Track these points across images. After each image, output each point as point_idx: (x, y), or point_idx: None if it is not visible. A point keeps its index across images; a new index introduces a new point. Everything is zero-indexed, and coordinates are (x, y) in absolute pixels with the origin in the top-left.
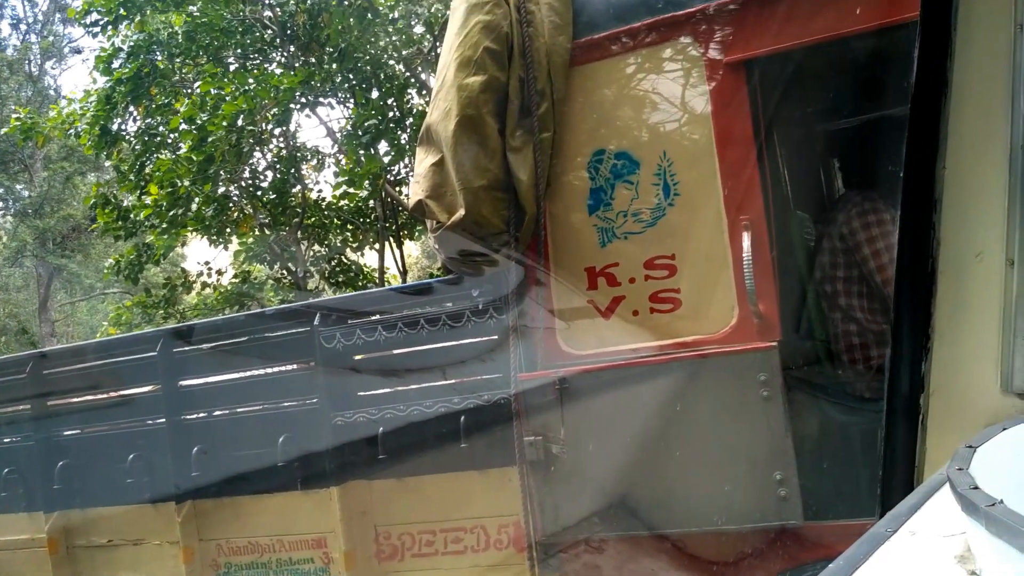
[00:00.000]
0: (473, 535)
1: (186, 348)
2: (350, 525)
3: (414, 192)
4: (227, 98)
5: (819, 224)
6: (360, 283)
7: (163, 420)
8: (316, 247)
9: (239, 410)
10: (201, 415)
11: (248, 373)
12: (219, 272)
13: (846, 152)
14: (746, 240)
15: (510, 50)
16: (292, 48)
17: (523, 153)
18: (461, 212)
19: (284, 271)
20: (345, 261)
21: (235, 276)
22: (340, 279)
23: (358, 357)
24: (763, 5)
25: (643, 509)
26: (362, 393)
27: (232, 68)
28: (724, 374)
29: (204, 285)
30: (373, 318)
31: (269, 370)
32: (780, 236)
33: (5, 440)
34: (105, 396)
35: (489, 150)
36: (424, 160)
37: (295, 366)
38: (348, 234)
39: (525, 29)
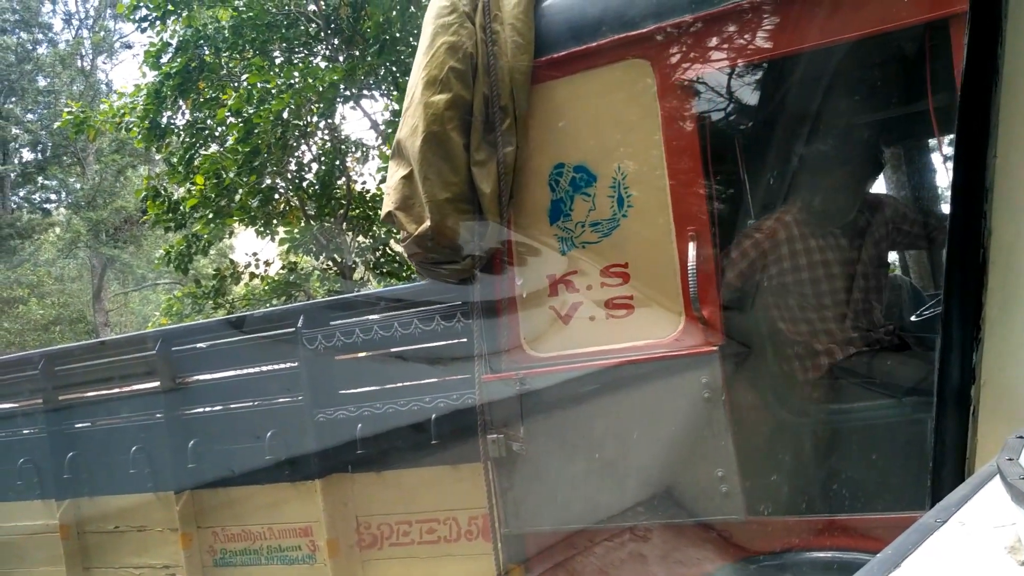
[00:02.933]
0: (446, 526)
1: (182, 347)
2: (333, 515)
3: (386, 204)
4: (273, 91)
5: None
6: (404, 273)
7: (162, 415)
8: (361, 238)
9: (232, 406)
10: (197, 410)
11: (239, 371)
12: (267, 263)
13: (789, 164)
14: (692, 250)
15: (474, 69)
16: (336, 41)
17: (487, 167)
18: (427, 223)
19: (330, 262)
20: (389, 252)
21: (282, 267)
22: (384, 269)
23: (338, 357)
24: (710, 27)
25: (596, 502)
26: (342, 391)
27: (278, 62)
28: (671, 376)
29: (252, 276)
30: (351, 320)
31: (258, 368)
32: (725, 246)
33: (22, 432)
34: (110, 392)
35: (454, 165)
36: (395, 173)
37: (281, 365)
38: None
39: (489, 48)
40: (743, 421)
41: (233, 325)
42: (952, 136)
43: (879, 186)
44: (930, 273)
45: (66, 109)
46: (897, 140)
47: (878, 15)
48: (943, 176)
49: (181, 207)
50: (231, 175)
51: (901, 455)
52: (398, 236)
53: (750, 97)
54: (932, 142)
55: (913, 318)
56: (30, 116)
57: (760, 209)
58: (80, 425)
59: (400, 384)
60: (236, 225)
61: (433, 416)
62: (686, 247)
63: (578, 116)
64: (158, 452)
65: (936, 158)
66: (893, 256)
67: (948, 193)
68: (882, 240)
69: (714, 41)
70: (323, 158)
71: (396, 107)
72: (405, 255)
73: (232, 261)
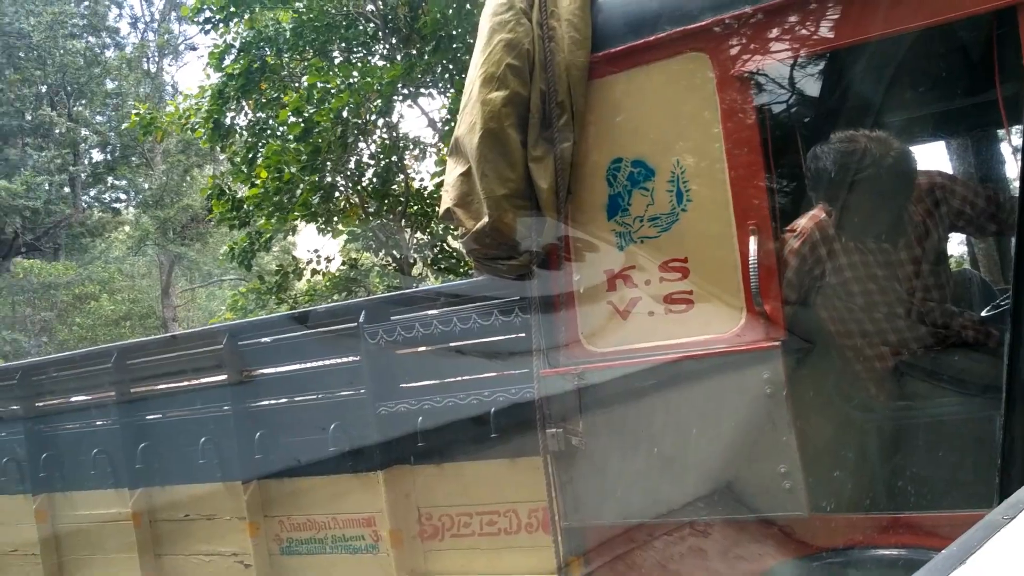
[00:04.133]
0: (506, 518)
1: (249, 341)
2: (395, 506)
3: (444, 200)
4: (332, 91)
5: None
6: (462, 269)
7: (229, 408)
8: (419, 234)
9: (296, 399)
10: (263, 403)
11: (303, 365)
12: (328, 259)
13: None
14: (753, 244)
15: (531, 65)
16: (393, 40)
17: (544, 163)
18: (485, 219)
19: (389, 258)
20: (447, 248)
21: (343, 263)
22: (442, 265)
23: (399, 352)
24: (770, 19)
25: (656, 497)
26: (403, 385)
27: (337, 61)
28: (732, 372)
29: (314, 272)
30: (411, 315)
31: (321, 363)
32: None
33: (96, 423)
34: (180, 384)
35: (512, 161)
36: (453, 170)
37: (343, 359)
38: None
39: (546, 44)
40: (806, 417)
41: (297, 320)
42: (1020, 126)
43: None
44: (1000, 267)
45: (134, 111)
46: (963, 130)
47: (943, 4)
48: (1012, 166)
49: (244, 205)
50: (292, 171)
51: (968, 452)
52: (456, 232)
53: (811, 88)
54: (1000, 132)
55: (983, 313)
56: (99, 118)
57: (820, 203)
58: (151, 417)
59: (459, 378)
60: (298, 222)
61: (492, 410)
62: (747, 241)
63: (636, 111)
64: (226, 443)
65: (1004, 148)
66: (962, 249)
67: (1017, 183)
68: (945, 227)
69: (774, 32)
70: (381, 156)
71: (453, 105)
72: (463, 251)
73: (294, 258)
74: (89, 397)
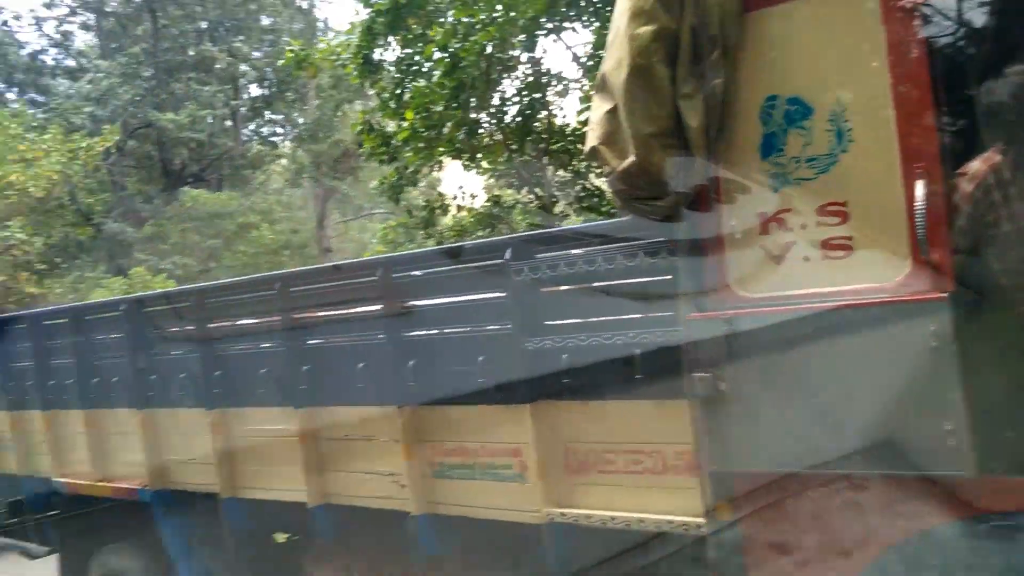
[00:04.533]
0: (652, 458)
1: (403, 273)
2: (541, 439)
3: (589, 139)
4: (477, 26)
5: None
6: (604, 208)
7: (384, 336)
8: (561, 172)
9: (446, 331)
10: (415, 333)
11: (452, 299)
12: (472, 196)
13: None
14: (920, 188)
15: None
16: None
17: (694, 100)
18: (632, 158)
19: (532, 195)
20: (589, 186)
21: (486, 200)
22: (584, 204)
23: (544, 289)
24: None
25: (809, 447)
26: (548, 322)
27: None
28: (895, 323)
29: (459, 208)
30: (556, 253)
31: (470, 297)
32: (956, 184)
33: (262, 346)
34: (338, 312)
35: (660, 98)
36: (599, 108)
37: (490, 295)
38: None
39: None
40: (975, 373)
41: (448, 255)
42: None
43: None
44: None
45: (288, 47)
46: None
47: None
48: None
49: (393, 141)
50: (439, 109)
51: None
52: (601, 171)
53: (986, 17)
54: None
55: None
56: (256, 54)
57: (995, 144)
58: (312, 341)
59: (604, 318)
60: (443, 158)
61: (638, 351)
62: (914, 185)
63: (793, 45)
64: (381, 369)
65: None
66: None
67: None
68: None
69: None
70: (524, 92)
71: (598, 39)
72: (607, 190)
73: (440, 193)
74: (257, 320)
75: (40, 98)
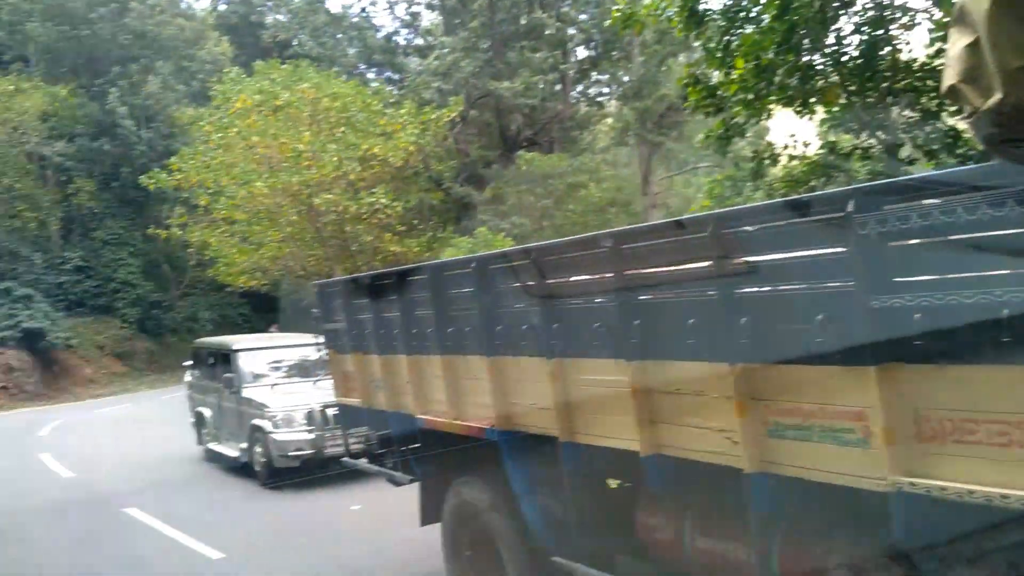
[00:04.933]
0: (1021, 430)
1: (734, 229)
2: (888, 404)
3: (946, 76)
4: None
5: None
6: (960, 151)
7: (715, 293)
8: (908, 112)
9: (781, 288)
10: (748, 290)
11: (788, 254)
12: (804, 143)
13: None
14: None
15: None
16: None
17: None
18: (997, 96)
19: (873, 140)
20: (942, 127)
21: (820, 147)
22: (936, 147)
23: (892, 244)
24: None
25: None
26: (897, 279)
27: None
28: None
29: (790, 157)
30: (907, 204)
31: (806, 252)
32: None
33: (596, 300)
34: (669, 268)
35: None
36: (957, 42)
37: (830, 250)
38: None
39: None
40: None
41: (783, 208)
42: None
43: None
44: None
45: (614, 7)
46: None
47: None
48: None
49: (719, 91)
50: (769, 55)
51: None
52: (961, 112)
53: None
54: None
55: None
56: (583, 16)
57: None
58: (643, 297)
59: (964, 275)
60: (773, 107)
61: (1005, 311)
62: None
63: None
64: (714, 326)
65: None
66: None
67: None
68: None
69: None
70: (865, 28)
71: None
72: (969, 133)
73: (769, 143)
74: (591, 277)
75: (395, 76)
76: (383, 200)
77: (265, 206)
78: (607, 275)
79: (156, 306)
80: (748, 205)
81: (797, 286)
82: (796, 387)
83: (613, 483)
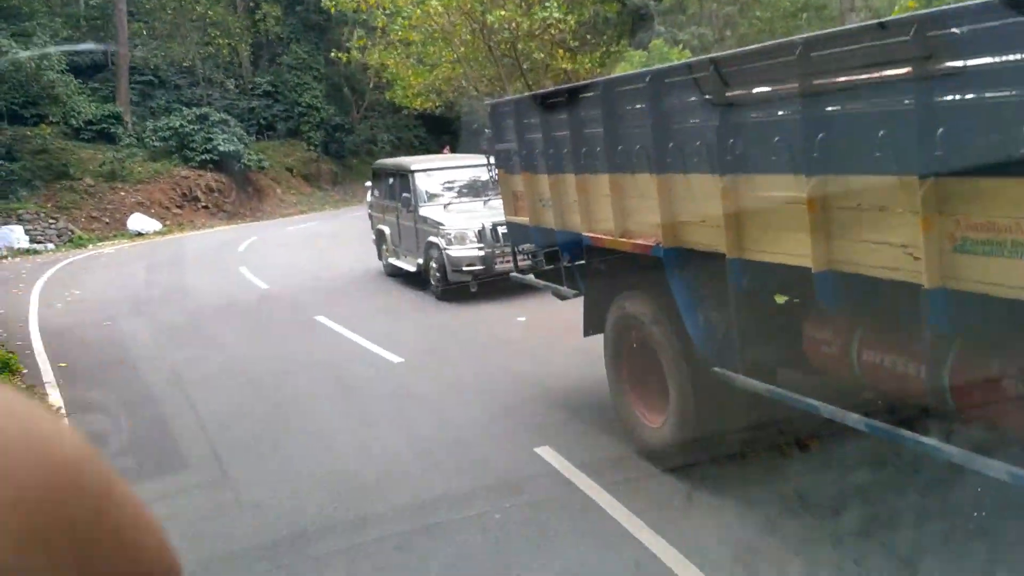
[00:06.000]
0: None
1: (940, 32)
2: None
3: None
4: None
5: None
6: None
7: (910, 102)
8: None
9: (986, 95)
10: (948, 98)
11: (998, 58)
12: None
13: None
14: None
15: None
16: None
17: None
18: None
19: None
20: None
21: None
22: None
23: None
24: None
25: None
26: None
27: None
28: None
29: None
30: None
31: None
32: None
33: (777, 113)
34: (860, 77)
35: None
36: None
37: None
38: None
39: None
40: None
41: (1003, 6)
42: None
43: None
44: None
45: None
46: None
47: None
48: None
49: None
50: None
51: None
52: None
53: None
54: None
55: None
56: None
57: None
58: (829, 108)
59: None
60: None
61: None
62: None
63: None
64: (904, 137)
65: None
66: None
67: None
68: None
69: None
70: None
71: None
72: None
73: None
74: (772, 88)
75: None
76: (556, 14)
77: (439, 25)
78: (793, 86)
79: (339, 129)
80: (960, 4)
81: (1004, 93)
82: (991, 201)
83: (781, 298)
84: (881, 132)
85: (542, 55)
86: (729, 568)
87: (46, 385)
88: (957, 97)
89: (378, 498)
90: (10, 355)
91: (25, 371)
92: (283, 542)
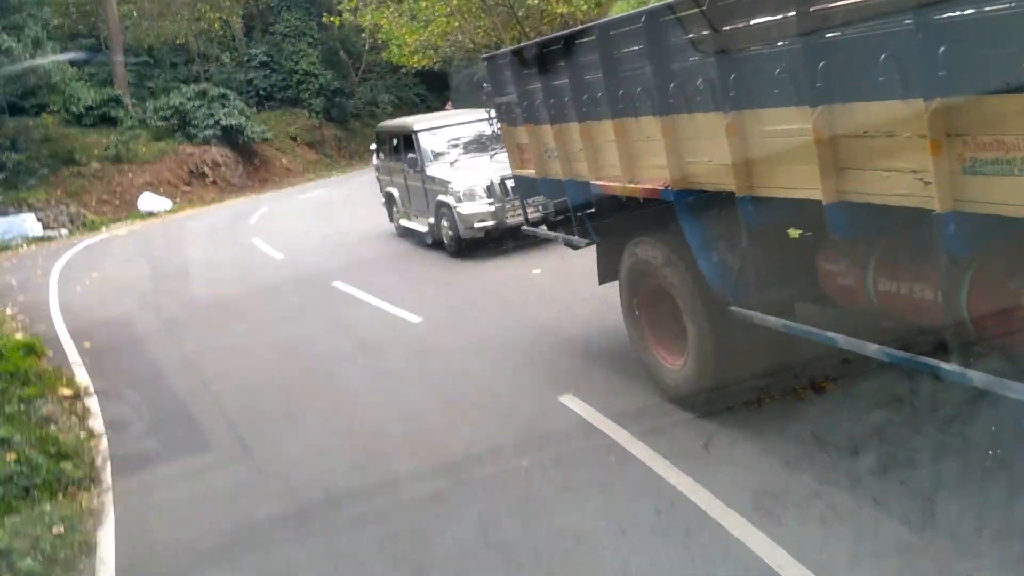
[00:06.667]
0: None
1: None
2: None
3: None
4: None
5: None
6: None
7: (911, 22)
8: None
9: (987, 9)
10: (948, 15)
11: None
12: None
13: None
14: None
15: None
16: None
17: None
18: None
19: None
20: None
21: None
22: None
23: None
24: None
25: None
26: None
27: None
28: None
29: None
30: None
31: None
32: None
33: (777, 44)
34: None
35: None
36: None
37: None
38: None
39: None
40: None
41: None
42: None
43: None
44: None
45: None
46: None
47: None
48: None
49: None
50: None
51: None
52: None
53: None
54: None
55: None
56: None
57: None
58: (830, 35)
59: None
60: None
61: None
62: None
63: None
64: (907, 59)
65: None
66: None
67: None
68: None
69: None
70: None
71: None
72: None
73: None
74: (772, 18)
75: None
76: None
77: None
78: (790, 15)
79: (338, 93)
80: None
81: (1005, 6)
82: (1000, 119)
83: (794, 233)
84: (883, 55)
85: (536, 1)
86: (764, 506)
87: (73, 366)
88: (957, 13)
89: (408, 456)
90: (34, 339)
91: (50, 353)
92: (314, 505)
